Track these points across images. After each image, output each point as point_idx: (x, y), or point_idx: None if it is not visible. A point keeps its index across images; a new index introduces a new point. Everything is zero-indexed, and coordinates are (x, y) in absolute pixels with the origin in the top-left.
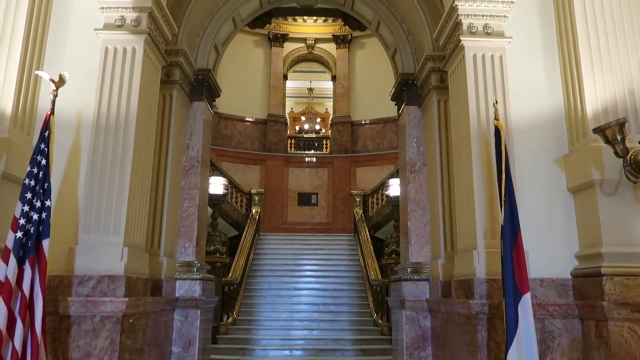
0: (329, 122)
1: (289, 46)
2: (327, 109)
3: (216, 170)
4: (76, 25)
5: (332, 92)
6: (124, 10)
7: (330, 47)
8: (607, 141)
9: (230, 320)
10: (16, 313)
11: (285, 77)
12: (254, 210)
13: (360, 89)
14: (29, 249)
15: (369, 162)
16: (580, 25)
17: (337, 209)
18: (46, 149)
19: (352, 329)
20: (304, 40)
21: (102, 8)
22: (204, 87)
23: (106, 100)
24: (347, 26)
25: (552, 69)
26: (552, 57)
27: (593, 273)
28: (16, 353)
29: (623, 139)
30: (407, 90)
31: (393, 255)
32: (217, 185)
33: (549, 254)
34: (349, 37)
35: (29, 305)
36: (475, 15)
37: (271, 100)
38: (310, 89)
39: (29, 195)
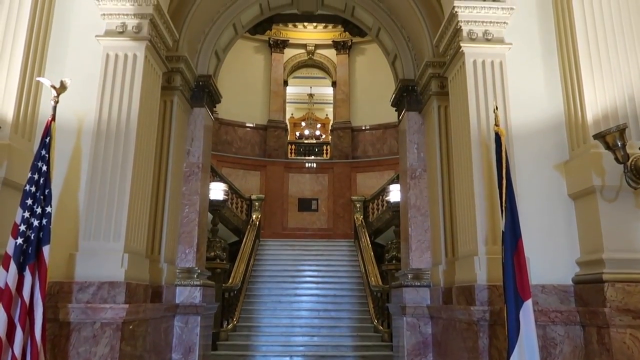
0: (329, 128)
1: (289, 52)
2: (327, 115)
3: (216, 176)
4: (77, 31)
5: (332, 98)
6: (125, 17)
7: (331, 53)
8: (608, 147)
9: (230, 326)
10: (16, 320)
11: (285, 83)
12: (254, 216)
13: (360, 95)
14: (29, 255)
15: (369, 168)
16: (580, 31)
17: (337, 214)
18: (47, 155)
19: (352, 335)
20: (304, 46)
21: (104, 15)
22: (204, 93)
23: (107, 106)
24: (347, 32)
25: (552, 74)
26: (552, 63)
27: (594, 279)
28: None
29: (623, 145)
30: (407, 96)
31: (394, 261)
32: (217, 191)
33: (550, 260)
34: (349, 43)
35: (29, 312)
36: (475, 21)
37: (271, 106)
38: (311, 95)
39: (29, 202)
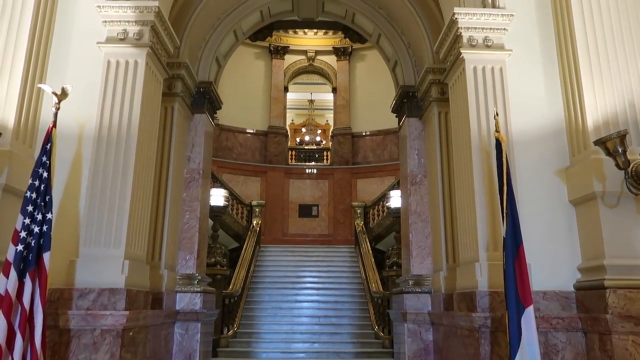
0: (330, 134)
1: (289, 58)
2: (327, 121)
3: (217, 181)
4: (79, 38)
5: (332, 104)
6: (127, 23)
7: (331, 59)
8: (608, 153)
9: (230, 333)
10: (16, 327)
11: (286, 89)
12: (254, 222)
13: (360, 101)
14: (29, 262)
15: (369, 174)
16: (580, 37)
17: (337, 220)
18: (48, 162)
19: (353, 341)
20: (304, 52)
21: (105, 22)
22: (205, 99)
23: (108, 112)
24: (347, 39)
25: (552, 81)
26: (552, 69)
27: (596, 286)
28: None
29: (624, 151)
30: (407, 103)
31: (394, 267)
32: (217, 197)
33: (552, 266)
34: (350, 50)
35: (29, 319)
36: (475, 28)
37: (272, 112)
38: (311, 101)
39: (30, 208)
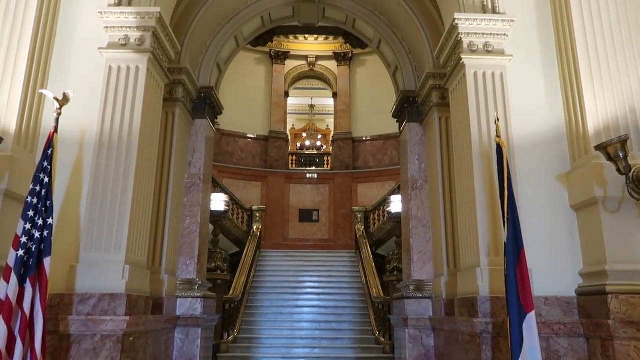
0: (330, 139)
1: (290, 63)
2: (328, 126)
3: (217, 186)
4: (81, 44)
5: (333, 109)
6: (128, 29)
7: (331, 64)
8: (610, 158)
9: (231, 338)
10: (16, 332)
11: (286, 94)
12: (255, 227)
13: (361, 106)
14: (30, 267)
15: (370, 179)
16: (580, 42)
17: (338, 225)
18: (49, 167)
19: (354, 347)
20: (305, 57)
21: (107, 27)
22: (206, 104)
23: (109, 118)
24: (348, 44)
25: (553, 86)
26: (553, 75)
27: (598, 291)
28: None
29: (625, 156)
30: (408, 108)
31: (395, 272)
32: (218, 201)
33: (553, 271)
34: (350, 55)
35: (29, 324)
36: (475, 33)
37: (272, 117)
38: (312, 106)
39: (31, 213)
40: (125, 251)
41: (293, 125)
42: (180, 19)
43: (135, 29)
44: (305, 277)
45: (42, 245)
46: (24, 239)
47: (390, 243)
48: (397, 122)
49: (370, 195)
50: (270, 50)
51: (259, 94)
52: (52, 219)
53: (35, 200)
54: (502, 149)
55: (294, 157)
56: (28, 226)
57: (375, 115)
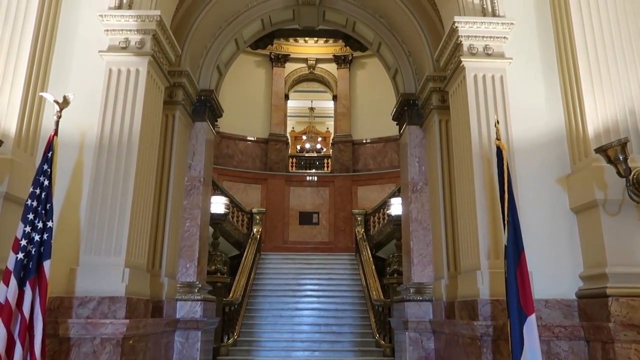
0: (330, 141)
1: (290, 66)
2: (328, 128)
3: (217, 189)
4: (81, 47)
5: (333, 112)
6: (129, 32)
7: (331, 67)
8: (610, 161)
9: (230, 341)
10: (15, 336)
11: (286, 97)
12: (255, 230)
13: (361, 109)
14: (29, 270)
15: (370, 181)
16: (580, 45)
17: (338, 228)
18: (49, 170)
19: (354, 350)
20: (305, 60)
21: (107, 30)
22: (206, 107)
23: (109, 121)
24: (347, 47)
25: (553, 89)
26: (552, 77)
27: (598, 294)
28: None
29: (625, 159)
30: (408, 110)
31: (395, 275)
32: (218, 204)
33: (553, 274)
34: (350, 58)
35: (29, 327)
36: (475, 36)
37: (273, 120)
38: (312, 109)
39: (31, 216)
40: (125, 254)
41: (293, 127)
42: (181, 22)
43: (136, 32)
44: (305, 279)
45: (42, 248)
46: (23, 242)
47: (390, 246)
48: (397, 124)
49: (370, 197)
50: (271, 53)
51: (259, 96)
52: (52, 221)
53: (35, 203)
54: (502, 151)
55: (294, 160)
56: (28, 229)
57: (375, 117)
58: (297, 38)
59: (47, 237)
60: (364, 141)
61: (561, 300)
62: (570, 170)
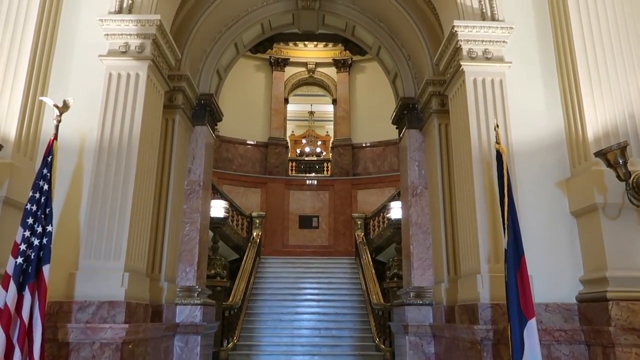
0: (330, 145)
1: (290, 70)
2: (327, 132)
3: (217, 193)
4: (81, 51)
5: (332, 115)
6: (128, 37)
7: (331, 71)
8: (609, 165)
9: (230, 345)
10: (14, 340)
11: (286, 101)
12: (254, 234)
13: (360, 112)
14: (29, 275)
15: (370, 185)
16: (579, 49)
17: (338, 231)
18: (49, 174)
19: (354, 354)
20: (304, 64)
21: (107, 35)
22: (206, 111)
23: (109, 125)
24: (347, 51)
25: (552, 92)
26: (552, 81)
27: (599, 298)
28: None
29: (625, 163)
30: (408, 114)
31: (395, 279)
32: (218, 208)
33: (554, 278)
34: (349, 62)
35: (28, 332)
36: (474, 40)
37: (272, 124)
38: (311, 112)
39: (30, 221)
40: (125, 258)
41: (293, 131)
42: (181, 26)
43: (136, 37)
44: (305, 283)
45: (41, 252)
46: (23, 247)
47: (390, 249)
48: (396, 128)
49: (370, 201)
50: (270, 57)
51: (258, 100)
52: (52, 226)
53: (34, 208)
54: (501, 155)
55: (294, 164)
56: (27, 234)
57: (374, 121)
58: (297, 42)
59: (46, 241)
60: (364, 145)
61: (561, 304)
62: (570, 174)
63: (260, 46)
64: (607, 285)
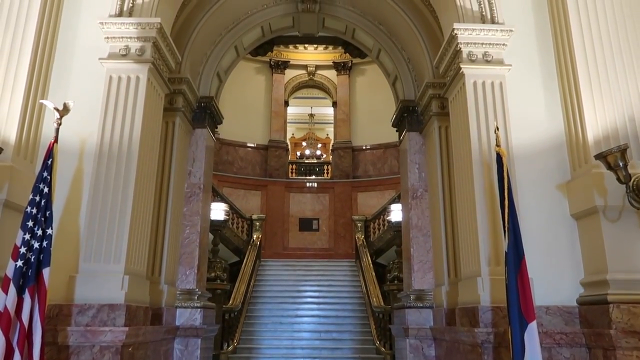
0: (330, 148)
1: (290, 73)
2: (327, 135)
3: (217, 196)
4: (81, 54)
5: (332, 118)
6: (129, 40)
7: (331, 73)
8: (609, 167)
9: (230, 348)
10: (14, 344)
11: (286, 103)
12: (255, 236)
13: (360, 115)
14: (29, 278)
15: (370, 187)
16: (579, 52)
17: (338, 234)
18: (49, 177)
19: (354, 357)
20: (305, 67)
21: (107, 38)
22: (206, 114)
23: (109, 128)
24: (347, 53)
25: (552, 95)
26: (552, 84)
27: (599, 300)
28: None
29: (625, 165)
30: (408, 117)
31: (395, 282)
32: (218, 211)
33: (554, 280)
34: (350, 64)
35: (28, 335)
36: (474, 43)
37: (272, 126)
38: (311, 115)
39: (30, 224)
40: (125, 261)
41: (293, 134)
42: (181, 29)
43: (136, 40)
44: (306, 286)
45: (41, 255)
46: (23, 250)
47: (391, 252)
48: (396, 131)
49: (370, 204)
50: (270, 59)
51: (258, 103)
52: (52, 229)
53: (34, 211)
54: (502, 158)
55: (294, 166)
56: (27, 237)
57: (375, 124)
58: (297, 45)
59: (46, 244)
60: (364, 147)
61: (562, 307)
62: (570, 176)
63: (261, 49)
64: (607, 287)
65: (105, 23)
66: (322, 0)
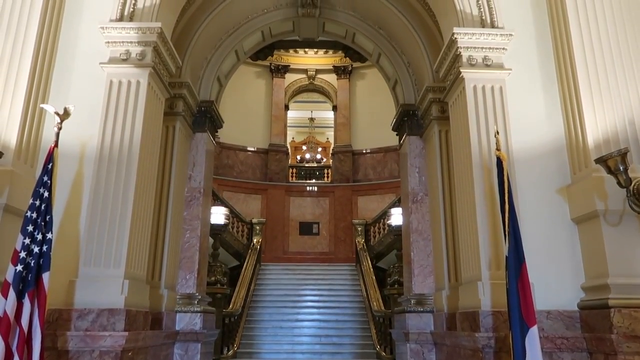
0: (330, 152)
1: (290, 77)
2: (328, 139)
3: (217, 200)
4: (82, 59)
5: (333, 122)
6: (129, 44)
7: (331, 77)
8: (610, 171)
9: (230, 353)
10: (14, 348)
11: (286, 107)
12: (255, 240)
13: (360, 119)
14: (28, 282)
15: (370, 191)
16: (579, 55)
17: (338, 238)
18: (49, 182)
19: None
20: (305, 71)
21: (108, 42)
22: (206, 118)
23: (110, 132)
24: (347, 57)
25: (552, 99)
26: (552, 88)
27: (600, 305)
28: None
29: (625, 169)
30: (408, 121)
31: (396, 286)
32: (218, 215)
33: (555, 285)
34: (350, 68)
35: (27, 340)
36: (474, 47)
37: (273, 130)
38: (312, 119)
39: (30, 228)
40: (125, 266)
41: (293, 138)
42: (181, 34)
43: (137, 44)
44: (306, 290)
45: (41, 260)
46: (22, 254)
47: (391, 256)
48: (397, 135)
49: (370, 208)
50: (271, 63)
51: (259, 107)
52: (52, 233)
53: (34, 215)
54: (502, 162)
55: (294, 170)
56: (27, 241)
57: (375, 128)
58: (297, 49)
59: (46, 249)
60: (364, 151)
61: (563, 312)
62: (571, 180)
63: (261, 53)
64: (608, 292)
65: (106, 28)
66: (323, 4)
